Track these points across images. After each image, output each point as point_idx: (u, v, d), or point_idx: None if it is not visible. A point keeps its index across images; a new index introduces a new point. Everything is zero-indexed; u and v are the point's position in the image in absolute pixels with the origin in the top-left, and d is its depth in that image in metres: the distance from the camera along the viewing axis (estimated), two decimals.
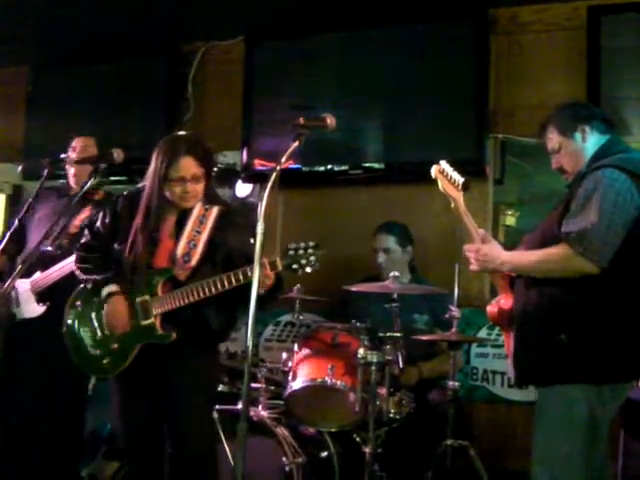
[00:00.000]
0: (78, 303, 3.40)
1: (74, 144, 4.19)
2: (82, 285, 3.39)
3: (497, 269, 2.98)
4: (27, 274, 3.93)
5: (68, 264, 3.87)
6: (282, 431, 3.72)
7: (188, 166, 3.11)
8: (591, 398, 2.75)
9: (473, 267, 3.01)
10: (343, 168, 4.94)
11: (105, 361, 3.24)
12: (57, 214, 3.86)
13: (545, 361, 2.83)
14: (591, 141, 2.94)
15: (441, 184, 3.02)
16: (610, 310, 2.76)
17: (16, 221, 3.67)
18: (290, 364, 3.74)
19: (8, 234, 3.65)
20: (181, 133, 3.28)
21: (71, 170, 4.12)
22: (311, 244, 2.85)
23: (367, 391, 3.48)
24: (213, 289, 2.99)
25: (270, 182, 2.66)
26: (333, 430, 3.75)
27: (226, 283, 2.97)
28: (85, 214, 4.06)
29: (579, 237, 2.70)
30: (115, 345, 3.21)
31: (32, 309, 3.96)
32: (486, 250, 2.95)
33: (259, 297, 2.94)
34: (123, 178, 5.43)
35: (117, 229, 3.27)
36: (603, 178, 2.75)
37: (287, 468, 3.59)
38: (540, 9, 4.62)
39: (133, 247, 3.15)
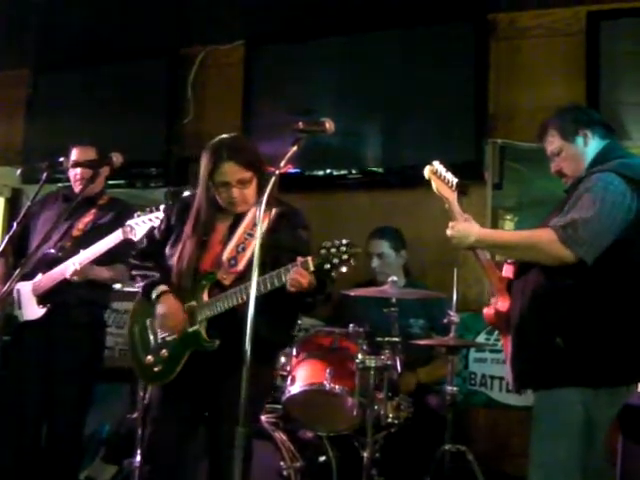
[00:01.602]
0: (137, 312, 3.34)
1: (75, 157, 4.14)
2: (138, 297, 3.35)
3: (473, 246, 2.97)
4: (30, 276, 3.95)
5: (63, 269, 3.88)
6: (280, 435, 3.71)
7: (231, 171, 3.02)
8: (588, 402, 2.74)
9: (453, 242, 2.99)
10: (342, 172, 4.95)
11: (156, 369, 3.17)
12: (58, 218, 3.88)
13: (542, 365, 2.83)
14: (592, 145, 2.95)
15: (434, 185, 3.01)
16: (606, 314, 2.76)
17: (14, 224, 3.67)
18: (288, 368, 3.74)
19: (7, 237, 3.65)
20: (225, 136, 3.13)
21: (76, 176, 4.12)
22: (344, 242, 2.76)
23: (365, 396, 3.48)
24: (246, 294, 2.83)
25: (269, 186, 2.66)
26: (331, 434, 3.75)
27: (261, 287, 2.83)
28: (89, 218, 4.08)
29: (566, 226, 2.71)
30: (165, 352, 3.15)
31: (33, 311, 3.97)
32: (461, 226, 2.94)
33: (298, 299, 2.91)
34: (122, 182, 5.43)
35: (170, 234, 3.23)
36: (598, 181, 2.77)
37: (285, 472, 3.59)
38: (540, 14, 4.63)
39: (182, 253, 3.11)
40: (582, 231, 2.69)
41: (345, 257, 2.75)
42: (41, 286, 3.96)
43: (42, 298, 3.96)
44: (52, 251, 3.97)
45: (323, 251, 2.77)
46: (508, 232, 3.01)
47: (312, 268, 2.79)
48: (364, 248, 4.33)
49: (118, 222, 3.90)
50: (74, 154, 4.17)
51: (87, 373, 4.09)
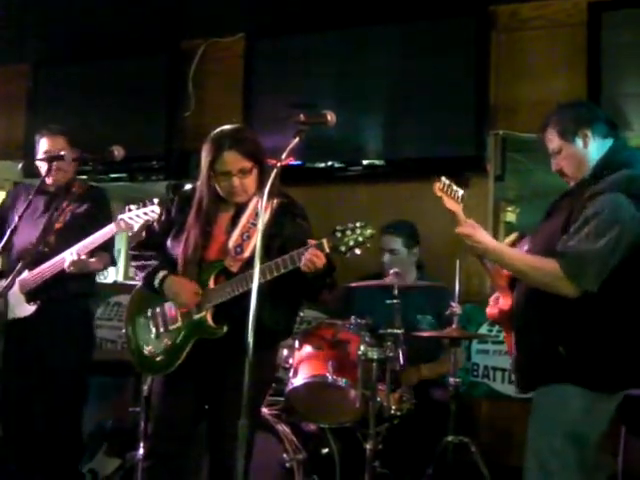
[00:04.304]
0: (137, 302, 3.34)
1: (47, 147, 4.10)
2: (136, 288, 3.36)
3: (482, 255, 2.97)
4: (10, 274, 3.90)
5: (58, 261, 3.87)
6: (283, 427, 3.72)
7: (232, 160, 3.03)
8: (585, 393, 2.74)
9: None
10: (343, 165, 4.95)
11: (158, 359, 3.17)
12: (45, 211, 3.91)
13: (543, 368, 2.84)
14: (593, 146, 2.89)
15: (445, 201, 3.00)
16: (610, 324, 2.74)
17: (16, 218, 3.66)
18: (291, 361, 3.74)
19: (9, 231, 3.64)
20: (227, 127, 3.13)
21: (52, 166, 3.97)
22: (359, 224, 2.78)
23: (368, 387, 3.48)
24: (262, 277, 2.81)
25: (271, 179, 2.66)
26: (334, 426, 3.75)
27: (274, 270, 2.87)
28: (67, 208, 4.02)
29: (574, 260, 2.69)
30: (168, 341, 3.15)
31: (22, 309, 3.94)
32: (479, 237, 2.92)
33: (306, 283, 2.92)
34: (123, 175, 5.43)
35: (171, 227, 3.23)
36: (608, 204, 2.71)
37: (288, 464, 3.59)
38: (541, 5, 4.62)
39: (187, 242, 3.11)
40: (590, 267, 2.68)
41: (360, 239, 2.77)
42: (28, 283, 3.93)
43: (31, 295, 3.94)
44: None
45: (338, 233, 2.78)
46: (516, 253, 2.97)
47: (327, 249, 2.80)
48: (376, 241, 4.28)
49: (95, 211, 3.98)
50: (44, 143, 4.13)
51: (80, 365, 4.10)
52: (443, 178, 2.96)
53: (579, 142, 2.90)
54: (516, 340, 2.97)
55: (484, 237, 2.92)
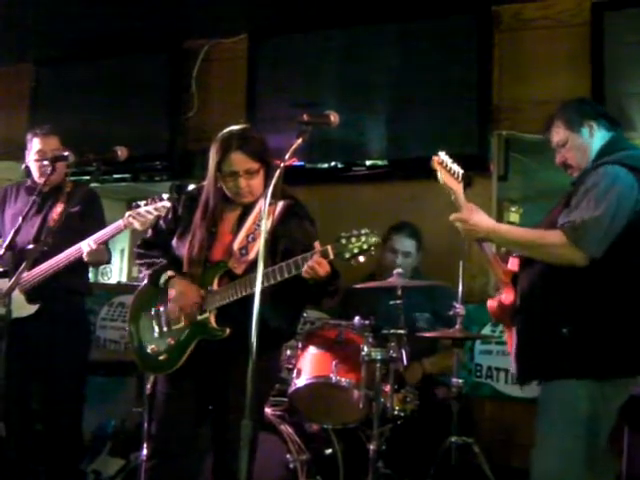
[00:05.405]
0: (141, 300, 3.34)
1: (40, 147, 4.13)
2: (140, 286, 3.36)
3: (484, 238, 2.97)
4: (6, 274, 3.87)
5: (60, 261, 3.88)
6: (286, 428, 3.72)
7: (239, 161, 3.04)
8: (594, 395, 2.75)
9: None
10: (346, 165, 4.95)
11: (162, 357, 3.17)
12: (38, 211, 3.95)
13: (547, 356, 2.83)
14: (597, 137, 2.96)
15: (441, 176, 2.99)
16: (613, 304, 2.76)
17: (20, 219, 3.65)
18: (294, 361, 3.74)
19: (12, 231, 3.64)
20: (234, 127, 3.13)
21: (43, 167, 4.05)
22: (364, 231, 2.77)
23: (371, 388, 3.48)
24: (265, 281, 2.81)
25: (274, 179, 2.65)
26: (337, 427, 3.75)
27: (278, 275, 2.87)
28: (60, 207, 4.02)
29: (576, 227, 2.72)
30: (171, 341, 3.15)
31: (23, 309, 3.93)
32: (475, 219, 2.93)
33: (310, 289, 2.91)
34: (127, 175, 5.43)
35: (177, 225, 3.24)
36: (605, 174, 2.78)
37: (291, 465, 3.59)
38: (544, 5, 4.62)
39: (192, 241, 3.11)
40: (593, 231, 2.71)
41: (365, 247, 2.76)
42: (29, 282, 3.92)
43: (31, 294, 3.94)
44: (31, 246, 3.89)
45: (343, 240, 2.77)
46: (520, 229, 2.99)
47: (332, 256, 2.80)
48: (385, 242, 4.25)
49: (88, 211, 4.02)
50: (36, 144, 4.16)
51: (80, 364, 4.11)
52: (442, 153, 2.96)
53: (585, 132, 2.96)
54: (518, 327, 2.96)
55: (481, 219, 2.93)
